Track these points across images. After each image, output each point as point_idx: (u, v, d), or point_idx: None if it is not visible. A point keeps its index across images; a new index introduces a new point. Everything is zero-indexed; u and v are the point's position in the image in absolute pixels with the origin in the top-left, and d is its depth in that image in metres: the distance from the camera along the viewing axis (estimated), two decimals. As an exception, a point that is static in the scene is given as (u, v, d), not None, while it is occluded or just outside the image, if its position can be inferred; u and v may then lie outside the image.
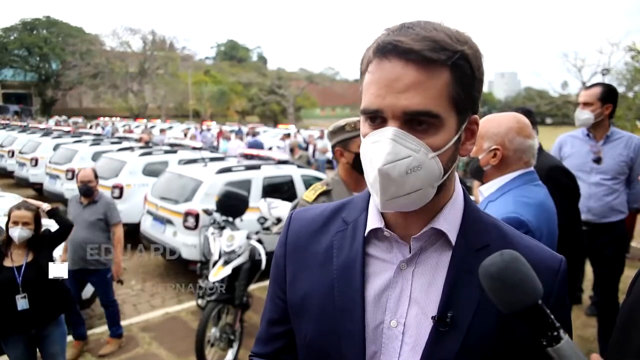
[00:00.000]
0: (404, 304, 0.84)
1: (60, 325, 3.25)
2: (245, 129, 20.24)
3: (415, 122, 0.75)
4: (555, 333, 0.68)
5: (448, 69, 0.74)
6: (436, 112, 0.75)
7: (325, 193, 2.24)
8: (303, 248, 0.95)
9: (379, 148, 0.75)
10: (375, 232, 0.88)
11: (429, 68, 0.73)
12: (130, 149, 9.74)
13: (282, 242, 0.99)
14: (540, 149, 2.72)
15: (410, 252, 0.85)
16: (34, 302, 2.99)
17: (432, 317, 0.81)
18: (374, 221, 0.88)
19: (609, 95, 3.35)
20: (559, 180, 2.60)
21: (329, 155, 15.37)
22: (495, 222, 0.91)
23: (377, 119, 0.78)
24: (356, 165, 2.21)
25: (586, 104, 3.37)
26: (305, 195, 2.28)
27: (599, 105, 3.34)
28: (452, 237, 0.85)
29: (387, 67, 0.75)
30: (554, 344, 0.68)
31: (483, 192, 1.85)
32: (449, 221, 0.85)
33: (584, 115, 3.38)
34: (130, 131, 20.19)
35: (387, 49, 0.75)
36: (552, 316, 0.68)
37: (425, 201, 0.80)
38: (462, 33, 0.78)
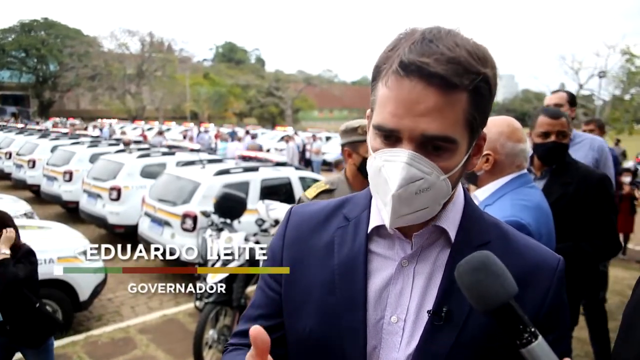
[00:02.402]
0: (405, 300, 0.85)
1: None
2: (240, 131, 19.97)
3: (431, 146, 0.76)
4: (527, 335, 0.68)
5: (467, 93, 0.74)
6: (453, 137, 0.76)
7: (328, 192, 2.24)
8: (303, 241, 0.94)
9: (394, 171, 0.75)
10: (377, 229, 0.89)
11: (450, 93, 0.73)
12: (128, 150, 9.74)
13: (280, 235, 0.98)
14: (569, 156, 2.61)
15: (411, 249, 0.86)
16: (5, 313, 2.89)
17: (427, 311, 0.82)
18: (376, 218, 0.89)
19: (573, 99, 3.46)
20: (609, 191, 2.53)
21: (324, 157, 15.41)
22: (496, 221, 0.92)
23: (391, 137, 0.77)
24: (362, 169, 2.20)
25: (557, 106, 3.36)
26: (307, 191, 2.29)
27: (567, 107, 3.39)
28: (453, 235, 0.86)
29: (408, 86, 0.73)
30: (527, 345, 0.68)
31: (478, 196, 1.85)
32: (450, 219, 0.86)
33: None
34: (144, 136, 19.28)
35: (410, 69, 0.73)
36: (526, 317, 0.69)
37: (431, 216, 0.81)
38: (481, 48, 0.77)
